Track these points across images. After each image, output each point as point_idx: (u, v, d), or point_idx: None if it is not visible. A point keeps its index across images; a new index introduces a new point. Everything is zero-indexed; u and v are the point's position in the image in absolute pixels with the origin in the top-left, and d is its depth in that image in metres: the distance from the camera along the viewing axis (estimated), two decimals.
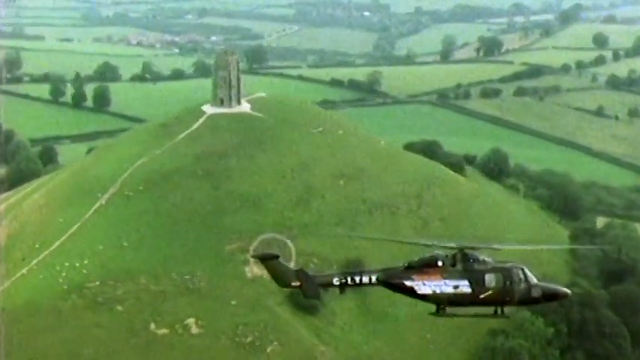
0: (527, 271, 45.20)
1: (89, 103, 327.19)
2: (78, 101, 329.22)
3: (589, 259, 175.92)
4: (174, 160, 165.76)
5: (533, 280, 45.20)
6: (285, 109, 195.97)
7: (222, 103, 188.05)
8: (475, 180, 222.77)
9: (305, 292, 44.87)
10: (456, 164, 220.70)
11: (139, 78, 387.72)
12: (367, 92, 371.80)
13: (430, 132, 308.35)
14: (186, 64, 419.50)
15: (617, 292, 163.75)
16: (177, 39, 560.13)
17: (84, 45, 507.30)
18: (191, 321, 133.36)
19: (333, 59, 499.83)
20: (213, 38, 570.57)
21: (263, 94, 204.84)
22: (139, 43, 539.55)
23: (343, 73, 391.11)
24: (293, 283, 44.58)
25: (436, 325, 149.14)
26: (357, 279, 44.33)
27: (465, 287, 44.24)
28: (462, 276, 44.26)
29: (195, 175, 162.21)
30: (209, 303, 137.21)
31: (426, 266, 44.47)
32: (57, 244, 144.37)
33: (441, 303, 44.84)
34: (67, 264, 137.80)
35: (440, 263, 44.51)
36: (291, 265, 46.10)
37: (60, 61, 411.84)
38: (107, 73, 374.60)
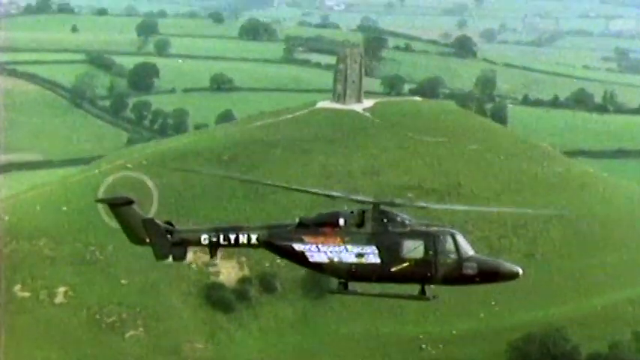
0: (460, 237, 33.53)
1: None
2: None
3: None
4: (206, 142, 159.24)
5: (468, 251, 33.50)
6: (413, 114, 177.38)
7: (338, 98, 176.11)
8: None
9: (155, 250, 34.49)
10: None
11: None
12: None
13: None
14: None
15: None
16: None
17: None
18: (61, 290, 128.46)
19: None
20: None
21: (417, 99, 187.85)
22: None
23: None
24: (147, 239, 34.32)
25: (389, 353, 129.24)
26: (233, 238, 34.41)
27: (371, 256, 33.33)
28: (369, 240, 33.34)
29: (216, 160, 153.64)
30: (95, 277, 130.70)
31: (324, 225, 33.56)
32: (14, 200, 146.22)
33: (340, 276, 33.98)
34: None
35: (342, 222, 33.52)
36: (151, 214, 35.95)
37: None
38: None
